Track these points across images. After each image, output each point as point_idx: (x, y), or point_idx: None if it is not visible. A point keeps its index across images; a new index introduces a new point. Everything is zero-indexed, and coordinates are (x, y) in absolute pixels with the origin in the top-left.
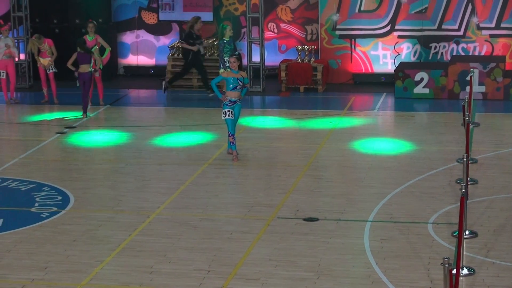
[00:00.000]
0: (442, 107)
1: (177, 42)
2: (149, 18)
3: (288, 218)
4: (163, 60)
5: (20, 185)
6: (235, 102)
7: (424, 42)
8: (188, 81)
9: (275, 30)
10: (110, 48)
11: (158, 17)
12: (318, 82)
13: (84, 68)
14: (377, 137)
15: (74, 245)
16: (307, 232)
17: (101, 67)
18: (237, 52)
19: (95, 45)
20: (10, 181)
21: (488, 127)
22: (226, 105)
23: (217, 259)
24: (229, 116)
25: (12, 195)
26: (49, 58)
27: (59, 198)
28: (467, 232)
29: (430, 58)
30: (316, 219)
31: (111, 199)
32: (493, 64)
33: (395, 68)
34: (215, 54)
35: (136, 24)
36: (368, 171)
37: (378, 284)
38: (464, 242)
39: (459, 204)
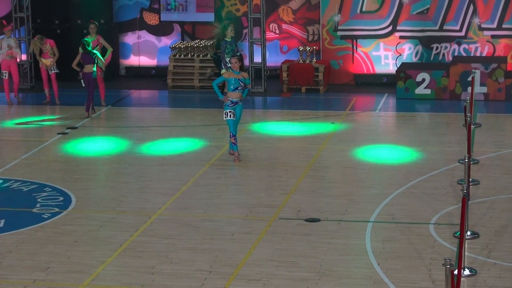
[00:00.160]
0: (443, 107)
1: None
2: (151, 18)
3: (290, 218)
4: (165, 61)
5: (21, 185)
6: (236, 103)
7: (426, 42)
8: (190, 81)
9: (277, 31)
10: (112, 49)
11: (159, 17)
12: (320, 82)
13: (88, 68)
14: (379, 138)
15: (76, 246)
16: (309, 232)
17: (103, 68)
18: (238, 53)
19: (96, 46)
20: (12, 181)
21: (489, 128)
22: (228, 106)
23: (219, 259)
24: (230, 117)
25: (13, 195)
26: (51, 59)
27: (61, 198)
28: (468, 233)
29: (431, 58)
30: (318, 220)
31: (112, 199)
32: (494, 65)
33: (396, 68)
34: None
35: (138, 24)
36: (369, 172)
37: (380, 285)
38: (466, 243)
39: (460, 204)
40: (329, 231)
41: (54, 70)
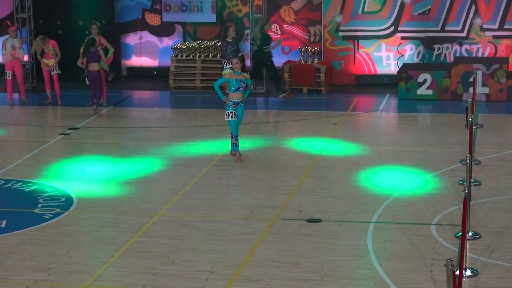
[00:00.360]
0: (445, 108)
1: (266, 48)
2: (153, 19)
3: (291, 219)
4: (166, 61)
5: (23, 186)
6: (238, 103)
7: (427, 43)
8: (192, 82)
9: (279, 32)
10: (113, 50)
11: (161, 18)
12: (321, 83)
13: (94, 67)
14: (380, 139)
15: (77, 246)
16: (310, 233)
17: (105, 69)
18: (240, 54)
19: (98, 46)
20: (14, 182)
21: (491, 129)
22: (229, 106)
23: (220, 260)
24: (232, 117)
25: (15, 196)
26: (53, 60)
27: (62, 199)
28: (470, 234)
29: (433, 59)
30: (319, 221)
31: (114, 200)
32: (496, 65)
33: (398, 69)
34: (218, 56)
35: (140, 25)
36: (371, 172)
37: (381, 285)
38: (467, 244)
39: (462, 205)
40: (331, 232)
41: (56, 70)
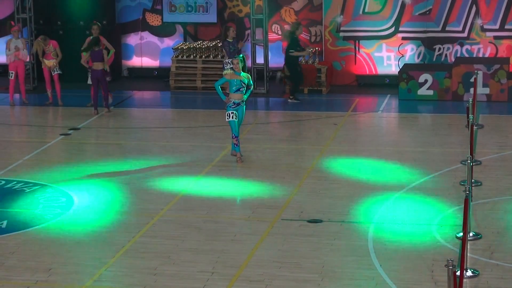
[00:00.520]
0: (446, 108)
1: (291, 52)
2: (153, 19)
3: (292, 219)
4: (167, 62)
5: (24, 186)
6: (238, 104)
7: (428, 43)
8: (192, 82)
9: (279, 32)
10: (114, 50)
11: (162, 18)
12: (322, 83)
13: (98, 66)
14: (381, 139)
15: (78, 247)
16: (311, 233)
17: (106, 69)
18: (241, 54)
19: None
20: (14, 182)
21: (492, 129)
22: (230, 107)
23: (221, 260)
24: (232, 118)
25: (16, 196)
26: (54, 60)
27: (63, 199)
28: (471, 234)
29: (434, 59)
30: (320, 221)
31: (115, 200)
32: (497, 66)
33: (399, 69)
34: (219, 56)
35: (140, 25)
36: (371, 173)
37: (382, 286)
38: (468, 244)
39: (463, 205)
40: (332, 232)
41: (56, 71)
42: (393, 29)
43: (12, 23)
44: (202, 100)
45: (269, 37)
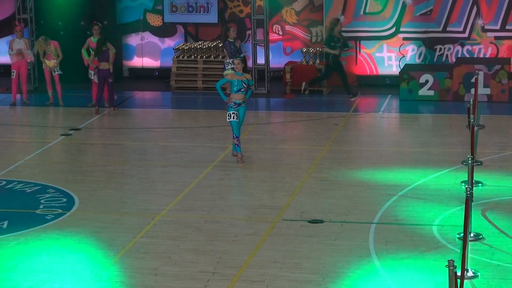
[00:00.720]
0: (447, 109)
1: (324, 47)
2: (154, 20)
3: (293, 220)
4: (168, 62)
5: (25, 187)
6: (239, 104)
7: (429, 44)
8: (193, 83)
9: (280, 32)
10: (115, 50)
11: (163, 19)
12: (323, 84)
13: (104, 65)
14: (382, 139)
15: (79, 247)
16: (312, 234)
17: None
18: (242, 55)
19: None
20: (15, 183)
21: (493, 129)
22: (231, 107)
23: (222, 261)
24: (233, 118)
25: (17, 197)
26: (55, 60)
27: (64, 200)
28: (472, 234)
29: (435, 60)
30: (321, 221)
31: (116, 201)
32: (498, 66)
33: (400, 70)
34: (220, 56)
35: (141, 26)
36: (372, 173)
37: (383, 286)
38: (469, 245)
39: (464, 206)
40: (333, 233)
41: (57, 71)
42: (394, 29)
43: (16, 23)
44: (203, 100)
45: (270, 38)
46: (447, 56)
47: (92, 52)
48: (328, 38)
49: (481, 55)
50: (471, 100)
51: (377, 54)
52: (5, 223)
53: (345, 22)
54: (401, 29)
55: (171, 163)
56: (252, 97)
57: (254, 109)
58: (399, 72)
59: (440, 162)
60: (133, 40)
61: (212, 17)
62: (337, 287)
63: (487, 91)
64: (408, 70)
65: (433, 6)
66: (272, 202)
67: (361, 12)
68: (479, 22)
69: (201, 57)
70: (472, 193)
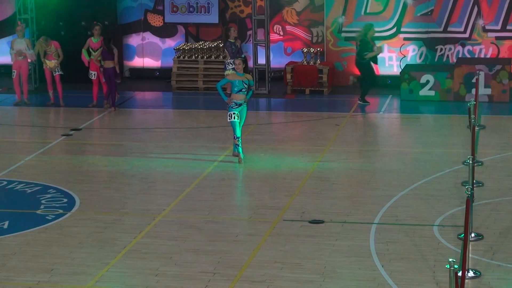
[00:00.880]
0: (447, 109)
1: (365, 54)
2: (155, 20)
3: (294, 220)
4: (169, 62)
5: (25, 187)
6: (240, 104)
7: (430, 44)
8: (194, 83)
9: (281, 33)
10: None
11: (163, 19)
12: (324, 84)
13: (108, 64)
14: (383, 140)
15: (80, 248)
16: (313, 234)
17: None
18: (243, 55)
19: (100, 47)
20: (16, 183)
21: (494, 130)
22: (232, 107)
23: (223, 261)
24: (234, 118)
25: (17, 197)
26: (55, 60)
27: (65, 200)
28: (472, 235)
29: (436, 60)
30: (322, 222)
31: (116, 201)
32: (499, 67)
33: (400, 70)
34: (221, 57)
35: (142, 26)
36: (373, 174)
37: (384, 287)
38: (470, 245)
39: (464, 206)
40: (333, 233)
41: (58, 71)
42: (394, 29)
43: (19, 22)
44: (203, 100)
45: (270, 38)
46: (448, 56)
47: (93, 52)
48: (364, 44)
49: (482, 56)
50: (472, 101)
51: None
52: (6, 223)
53: (346, 22)
54: (402, 30)
55: (172, 163)
56: (253, 98)
57: (255, 109)
58: (400, 73)
59: (441, 163)
60: (134, 40)
61: (213, 17)
62: None
63: (488, 91)
64: (409, 70)
65: (434, 7)
66: (272, 202)
67: (362, 13)
68: (480, 22)
69: (202, 58)
70: (473, 193)
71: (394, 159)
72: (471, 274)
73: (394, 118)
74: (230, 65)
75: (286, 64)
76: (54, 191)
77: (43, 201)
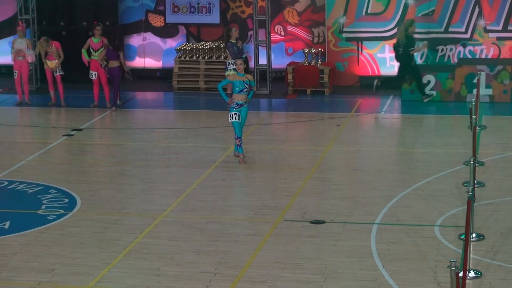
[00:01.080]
0: (449, 109)
1: (411, 50)
2: (156, 20)
3: (295, 220)
4: (170, 63)
5: (27, 187)
6: (241, 105)
7: (431, 44)
8: (195, 83)
9: (282, 33)
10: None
11: (165, 19)
12: (325, 84)
13: (113, 64)
14: (384, 140)
15: (81, 248)
16: (314, 234)
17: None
18: (244, 55)
19: (101, 47)
20: (17, 183)
21: (495, 130)
22: (233, 108)
23: (224, 261)
24: (236, 119)
25: (19, 197)
26: (56, 61)
27: (66, 200)
28: (474, 235)
29: (437, 60)
30: (323, 222)
31: (118, 201)
32: (500, 67)
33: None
34: (222, 57)
35: (143, 26)
36: (374, 174)
37: (385, 287)
38: (471, 245)
39: (466, 206)
40: (334, 233)
41: (59, 72)
42: (396, 30)
43: (20, 22)
44: (205, 101)
45: (271, 38)
46: (449, 56)
47: (94, 52)
48: (407, 40)
49: (483, 56)
50: (473, 101)
51: (379, 55)
52: (7, 224)
53: (347, 22)
54: None
55: (173, 164)
56: (254, 98)
57: (256, 109)
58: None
59: (442, 163)
60: (135, 40)
61: (214, 18)
62: None
63: (489, 91)
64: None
65: (435, 7)
66: (274, 202)
67: (363, 13)
68: (481, 22)
69: (203, 58)
70: (474, 193)
71: (395, 159)
72: (472, 274)
73: (395, 118)
74: (231, 65)
75: (287, 65)
76: (55, 191)
77: (44, 201)
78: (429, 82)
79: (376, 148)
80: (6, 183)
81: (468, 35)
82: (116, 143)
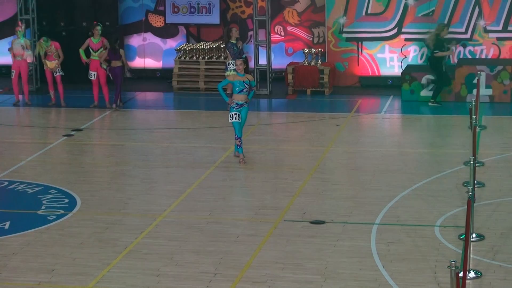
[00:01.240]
0: (449, 110)
1: (435, 52)
2: (156, 21)
3: (295, 221)
4: (170, 63)
5: (27, 187)
6: (242, 105)
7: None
8: (195, 84)
9: (282, 33)
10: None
11: (165, 20)
12: (325, 85)
13: (115, 63)
14: (384, 140)
15: (81, 248)
16: (314, 235)
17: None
18: (244, 55)
19: (101, 48)
20: (17, 183)
21: (495, 130)
22: (233, 108)
23: (224, 261)
24: (236, 119)
25: (19, 197)
26: (56, 61)
27: (66, 200)
28: (474, 235)
29: None
30: (323, 222)
31: (118, 201)
32: (500, 67)
33: (402, 71)
34: (222, 57)
35: (143, 27)
36: (374, 174)
37: (385, 287)
38: (471, 245)
39: (466, 207)
40: (334, 233)
41: (58, 72)
42: (396, 30)
43: (19, 23)
44: (205, 101)
45: (272, 38)
46: (449, 57)
47: (93, 53)
48: (437, 42)
49: (483, 56)
50: (473, 101)
51: (379, 55)
52: (7, 224)
53: (347, 23)
54: (403, 30)
55: (173, 164)
56: (254, 98)
57: (256, 109)
58: (401, 73)
59: (442, 163)
60: (135, 41)
61: (214, 18)
62: None
63: (489, 92)
64: (410, 71)
65: (435, 7)
66: (274, 203)
67: (363, 13)
68: (481, 23)
69: (203, 58)
70: (474, 193)
71: (395, 159)
72: (472, 274)
73: (395, 118)
74: (231, 65)
75: (287, 65)
76: (55, 191)
77: (44, 202)
78: (429, 82)
79: (376, 148)
80: (6, 183)
81: (468, 35)
82: (116, 143)
